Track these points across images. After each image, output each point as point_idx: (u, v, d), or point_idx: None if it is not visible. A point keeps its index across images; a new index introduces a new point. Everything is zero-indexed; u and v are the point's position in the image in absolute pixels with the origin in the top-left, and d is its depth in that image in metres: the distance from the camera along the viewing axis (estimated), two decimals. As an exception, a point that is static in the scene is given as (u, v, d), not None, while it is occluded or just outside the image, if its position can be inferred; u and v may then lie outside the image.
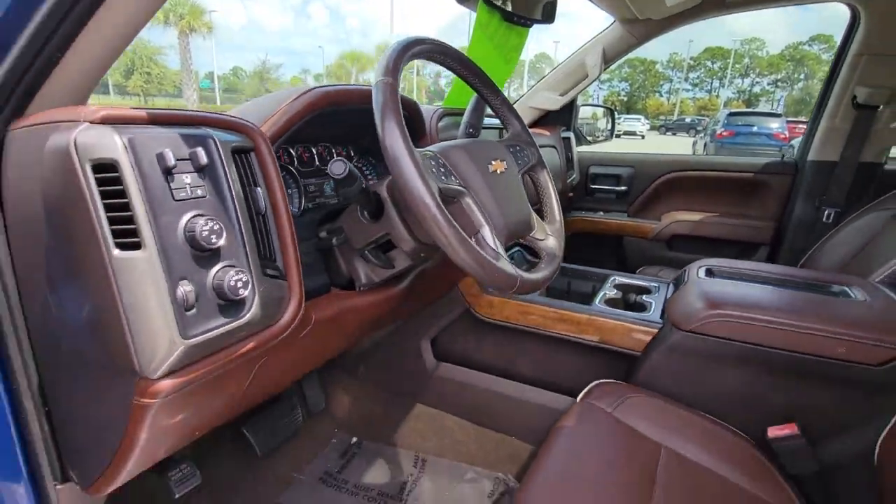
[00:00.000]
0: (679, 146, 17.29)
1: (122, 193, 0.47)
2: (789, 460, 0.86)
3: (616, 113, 2.67)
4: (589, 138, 2.44)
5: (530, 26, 1.24)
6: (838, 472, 0.86)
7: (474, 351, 1.28)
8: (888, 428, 0.75)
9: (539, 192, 0.92)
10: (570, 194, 2.07)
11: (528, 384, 1.21)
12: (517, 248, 1.47)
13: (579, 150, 2.23)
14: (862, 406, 0.85)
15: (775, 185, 1.80)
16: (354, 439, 1.35)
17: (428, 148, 0.70)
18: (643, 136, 23.67)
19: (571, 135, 2.05)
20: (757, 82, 53.34)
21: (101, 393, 0.59)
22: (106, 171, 0.47)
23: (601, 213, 2.12)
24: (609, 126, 2.50)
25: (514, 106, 1.93)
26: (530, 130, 1.85)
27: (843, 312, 0.91)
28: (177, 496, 0.87)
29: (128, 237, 0.47)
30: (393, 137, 0.59)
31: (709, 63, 54.79)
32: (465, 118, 0.97)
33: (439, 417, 1.32)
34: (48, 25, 0.49)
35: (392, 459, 1.29)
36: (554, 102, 1.91)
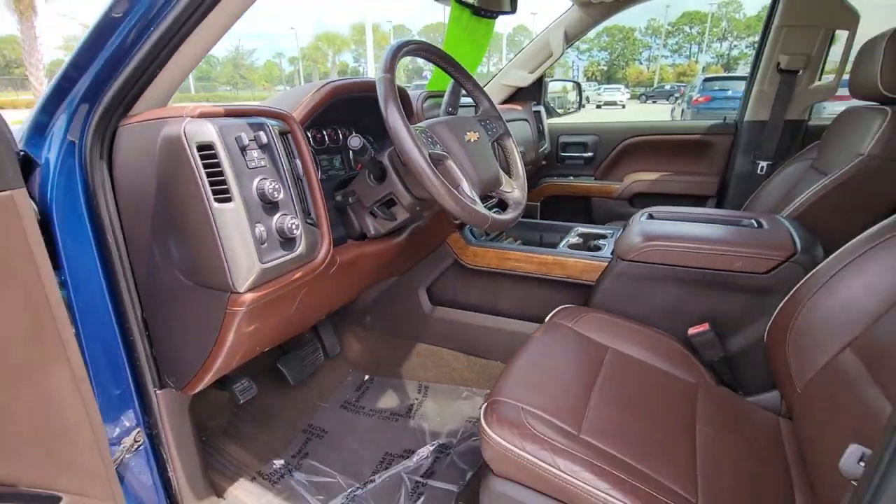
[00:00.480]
0: (658, 114, 17.48)
1: (217, 164, 0.70)
2: (703, 350, 1.13)
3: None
4: (559, 111, 2.67)
5: (496, 17, 1.45)
6: (739, 356, 1.13)
7: (463, 294, 1.54)
8: (772, 320, 1.02)
9: (506, 156, 1.15)
10: (543, 162, 2.31)
11: (509, 317, 1.47)
12: (496, 209, 1.71)
13: (552, 121, 2.46)
14: (755, 305, 1.12)
15: (719, 144, 2.06)
16: (367, 376, 1.61)
17: (419, 124, 0.93)
18: (624, 106, 23.81)
19: (542, 108, 2.27)
20: (735, 45, 53.41)
21: (196, 312, 0.82)
22: (205, 149, 0.69)
23: (571, 177, 2.37)
24: (577, 99, 2.73)
25: (489, 83, 2.15)
26: (504, 106, 2.09)
27: (744, 236, 1.17)
28: (241, 402, 1.13)
29: (222, 194, 0.71)
30: (394, 118, 0.82)
31: (687, 28, 54.65)
32: (445, 100, 1.19)
33: (437, 352, 1.58)
34: (154, 51, 0.71)
35: (400, 388, 1.55)
36: (524, 79, 2.12)
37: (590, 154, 2.32)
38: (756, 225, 1.27)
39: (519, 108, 2.11)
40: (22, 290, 0.61)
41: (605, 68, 58.69)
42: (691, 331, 1.14)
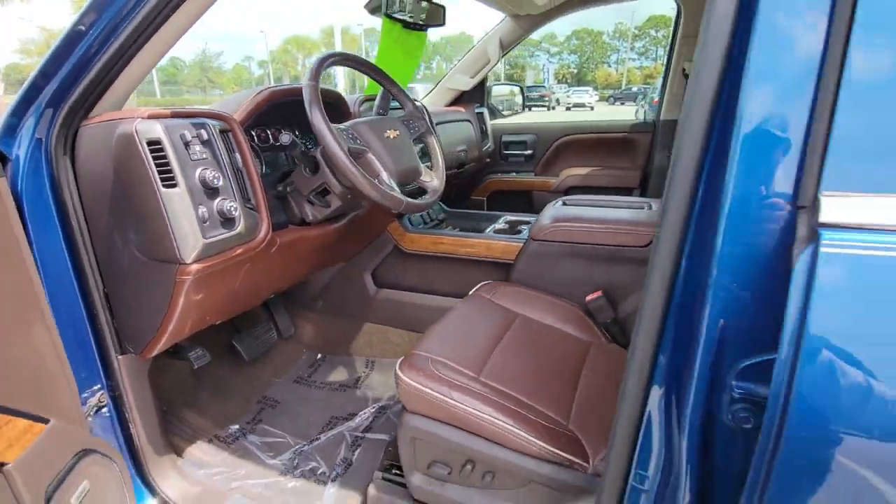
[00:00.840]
0: (624, 115, 17.90)
1: (164, 156, 0.85)
2: (598, 314, 1.33)
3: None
4: (506, 112, 2.88)
5: (426, 30, 1.63)
6: (627, 318, 1.34)
7: (403, 277, 1.71)
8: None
9: (428, 151, 1.33)
10: (488, 160, 2.50)
11: (444, 296, 1.65)
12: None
13: (499, 122, 2.67)
14: (638, 275, 1.33)
15: (640, 141, 2.29)
16: (319, 355, 1.77)
17: (342, 124, 1.10)
18: (592, 108, 24.32)
19: (485, 110, 2.47)
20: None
21: (151, 283, 0.97)
22: (153, 144, 0.85)
23: (513, 173, 2.57)
24: (522, 101, 2.95)
25: (436, 88, 2.33)
26: (449, 108, 2.27)
27: (632, 216, 1.38)
28: (195, 367, 1.27)
29: (168, 181, 0.86)
30: (317, 119, 0.99)
31: (653, 32, 56.14)
32: (376, 103, 1.36)
33: (382, 330, 1.74)
34: (111, 62, 0.86)
35: (349, 364, 1.71)
36: (466, 83, 2.31)
37: (530, 152, 2.52)
38: (647, 207, 1.48)
39: (462, 110, 2.30)
40: (6, 261, 0.75)
41: (576, 71, 59.79)
42: (588, 298, 1.34)
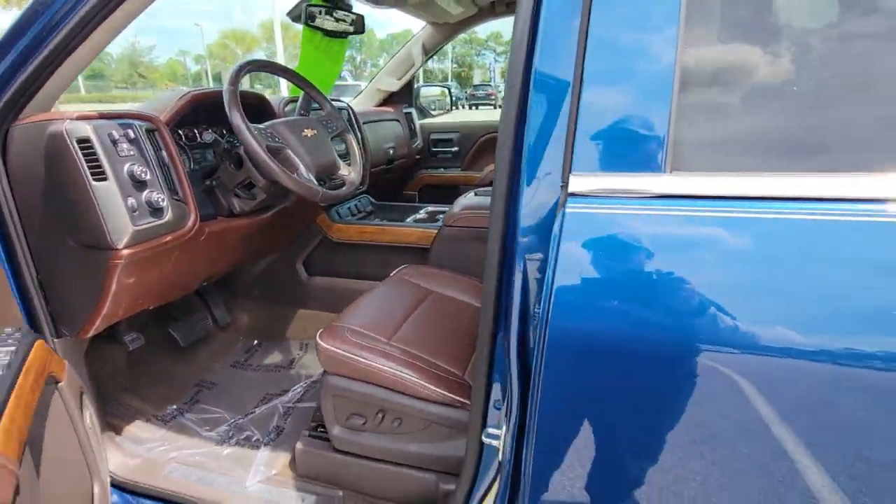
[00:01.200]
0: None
1: (94, 153, 0.96)
2: (500, 288, 1.54)
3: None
4: (434, 112, 3.06)
5: (346, 38, 1.78)
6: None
7: (333, 264, 1.85)
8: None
9: (346, 147, 1.49)
10: (418, 157, 2.68)
11: (370, 280, 1.81)
12: (365, 195, 2.05)
13: (429, 121, 2.84)
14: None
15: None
16: (256, 341, 1.88)
17: (261, 124, 1.23)
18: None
19: (413, 110, 2.64)
20: (633, 50, 57.66)
21: (85, 268, 1.06)
22: (83, 142, 0.95)
23: (442, 169, 2.76)
24: (450, 101, 3.15)
25: (366, 89, 2.47)
26: (379, 108, 2.42)
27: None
28: (130, 349, 1.36)
29: (99, 174, 0.97)
30: (237, 120, 1.12)
31: (591, 33, 58.25)
32: (298, 105, 1.50)
33: (315, 315, 1.88)
34: (43, 65, 0.95)
35: (284, 349, 1.83)
36: (393, 85, 2.47)
37: (456, 149, 2.72)
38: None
39: (391, 110, 2.46)
40: None
41: (520, 70, 60.98)
42: (492, 274, 1.54)
